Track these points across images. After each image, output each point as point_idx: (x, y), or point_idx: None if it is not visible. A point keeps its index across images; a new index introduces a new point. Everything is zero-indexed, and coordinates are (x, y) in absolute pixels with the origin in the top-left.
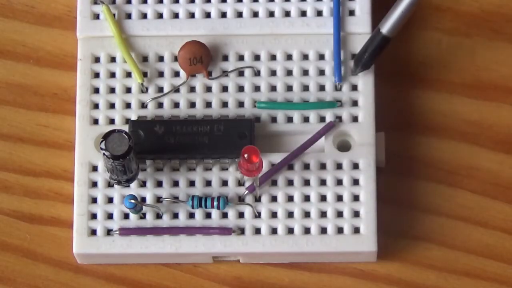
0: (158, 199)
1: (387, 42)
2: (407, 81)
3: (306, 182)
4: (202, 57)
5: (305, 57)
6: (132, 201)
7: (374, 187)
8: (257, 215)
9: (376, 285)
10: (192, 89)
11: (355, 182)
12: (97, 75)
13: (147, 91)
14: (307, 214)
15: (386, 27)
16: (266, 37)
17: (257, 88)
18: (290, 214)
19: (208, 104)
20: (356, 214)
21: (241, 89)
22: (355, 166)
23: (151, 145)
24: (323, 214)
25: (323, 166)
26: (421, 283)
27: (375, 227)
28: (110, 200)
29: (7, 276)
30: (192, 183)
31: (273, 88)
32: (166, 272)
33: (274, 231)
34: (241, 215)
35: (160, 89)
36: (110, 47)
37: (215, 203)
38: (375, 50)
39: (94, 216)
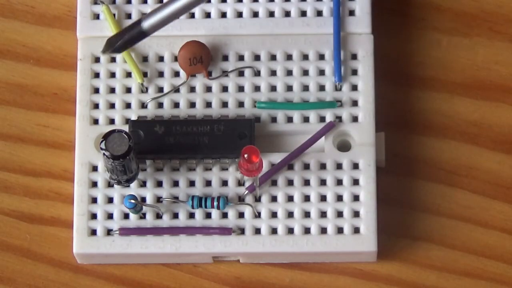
0: (158, 199)
1: (144, 36)
2: (407, 81)
3: (306, 182)
4: (202, 57)
5: (305, 57)
6: (132, 201)
7: (374, 187)
8: (257, 215)
9: (376, 285)
10: (192, 89)
11: (355, 182)
12: (97, 75)
13: (147, 91)
14: (307, 214)
15: (147, 24)
16: (266, 37)
17: (257, 88)
18: (290, 214)
19: (208, 104)
20: (356, 214)
21: (241, 89)
22: (355, 166)
23: (151, 145)
24: (323, 214)
25: (323, 166)
26: (421, 283)
27: (375, 227)
28: (110, 200)
29: (7, 276)
30: (192, 183)
31: (273, 88)
32: (166, 272)
33: (274, 231)
34: (241, 215)
35: (160, 89)
36: None
37: (215, 203)
38: (130, 40)
39: (94, 216)
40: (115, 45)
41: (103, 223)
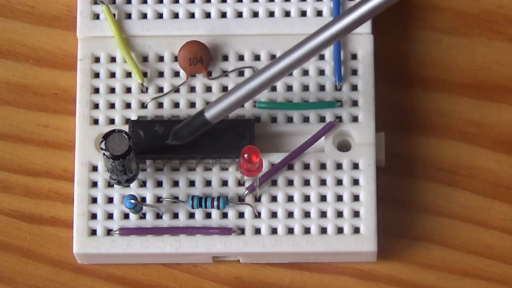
0: (158, 199)
1: (208, 126)
2: (407, 81)
3: (306, 182)
4: (202, 57)
5: None
6: (132, 201)
7: (374, 187)
8: (257, 215)
9: (376, 285)
10: (192, 89)
11: (355, 182)
12: (97, 75)
13: (147, 91)
14: (307, 214)
15: (210, 114)
16: (266, 37)
17: None
18: (290, 214)
19: None
20: (356, 214)
21: None
22: (355, 166)
23: (151, 145)
24: (323, 214)
25: (323, 166)
26: (421, 283)
27: (375, 227)
28: (110, 200)
29: (7, 276)
30: (192, 183)
31: (273, 88)
32: (166, 272)
33: (274, 231)
34: (241, 215)
35: (160, 89)
36: (110, 47)
37: (215, 203)
38: (195, 130)
39: (94, 216)
40: (181, 136)
41: (103, 223)
